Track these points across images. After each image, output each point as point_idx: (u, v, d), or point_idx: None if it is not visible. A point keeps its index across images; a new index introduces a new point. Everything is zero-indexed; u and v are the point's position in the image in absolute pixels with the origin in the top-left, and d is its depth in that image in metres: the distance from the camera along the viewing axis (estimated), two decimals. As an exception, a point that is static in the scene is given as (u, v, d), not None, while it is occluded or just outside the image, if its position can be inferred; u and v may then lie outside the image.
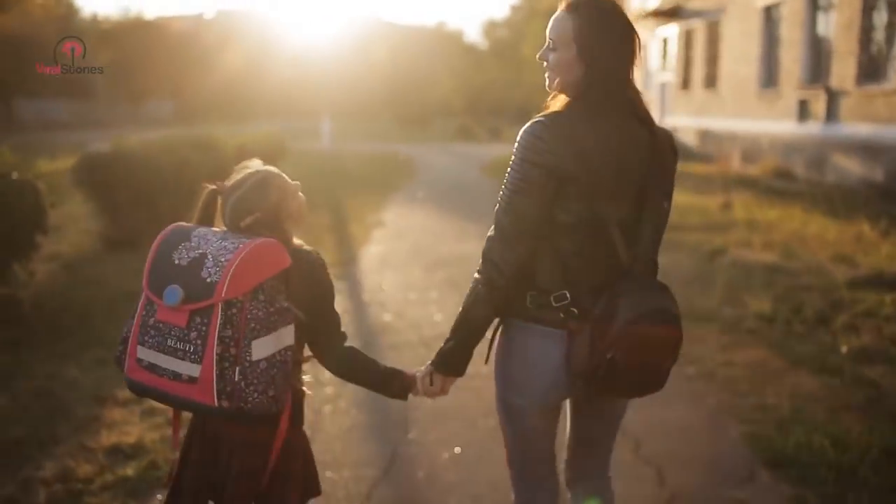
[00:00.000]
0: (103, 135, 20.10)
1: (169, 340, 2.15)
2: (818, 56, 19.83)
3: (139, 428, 4.51)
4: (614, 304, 2.23)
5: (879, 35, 17.38)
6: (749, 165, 22.55)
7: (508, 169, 2.30)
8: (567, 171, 2.22)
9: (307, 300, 2.31)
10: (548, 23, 2.39)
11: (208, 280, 2.14)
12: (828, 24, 19.47)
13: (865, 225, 11.87)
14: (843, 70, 18.08)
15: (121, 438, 4.35)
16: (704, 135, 27.56)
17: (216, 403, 2.11)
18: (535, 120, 2.29)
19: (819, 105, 18.98)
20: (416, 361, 5.81)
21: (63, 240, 10.31)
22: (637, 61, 2.35)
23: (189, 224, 2.34)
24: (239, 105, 60.62)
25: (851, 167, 17.66)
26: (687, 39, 29.78)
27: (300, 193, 2.45)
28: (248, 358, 2.13)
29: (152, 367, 2.18)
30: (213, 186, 2.42)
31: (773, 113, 21.50)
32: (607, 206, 2.27)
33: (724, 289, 8.02)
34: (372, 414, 4.93)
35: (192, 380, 2.12)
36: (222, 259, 2.15)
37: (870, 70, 17.53)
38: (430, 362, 2.50)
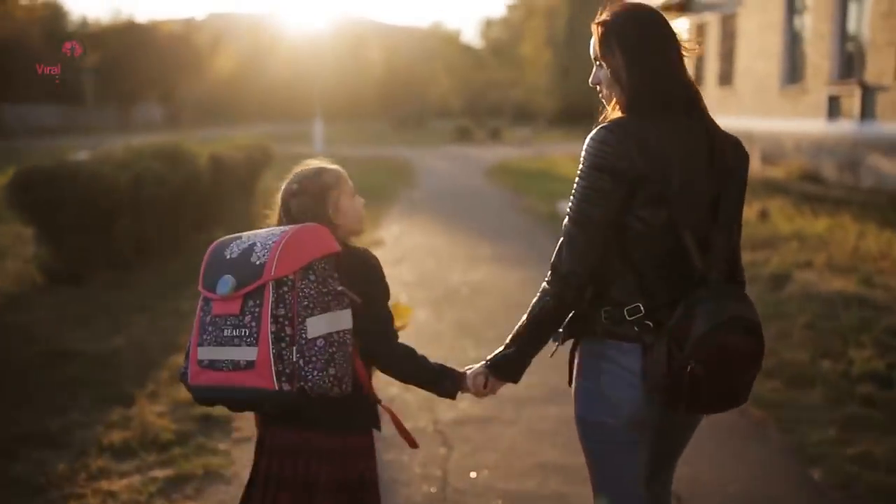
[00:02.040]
0: (90, 140, 18.60)
1: (226, 331, 2.15)
2: (851, 49, 18.31)
3: None
4: (690, 314, 2.14)
5: (924, 24, 15.82)
6: (770, 167, 21.07)
7: (576, 178, 2.25)
8: (636, 173, 2.16)
9: (361, 297, 2.29)
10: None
11: (258, 263, 2.15)
12: (861, 14, 17.94)
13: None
14: (882, 63, 16.56)
15: None
16: (719, 135, 26.02)
17: (276, 386, 2.09)
18: (600, 126, 2.24)
19: (852, 102, 17.49)
20: (431, 461, 4.21)
21: (-1, 271, 8.69)
22: (687, 59, 2.34)
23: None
24: (231, 108, 59.28)
25: (892, 169, 16.13)
26: (698, 34, 28.26)
27: (359, 198, 2.47)
28: (303, 335, 2.13)
29: (212, 364, 2.16)
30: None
31: (797, 111, 20.00)
32: (678, 211, 2.19)
33: (808, 332, 6.43)
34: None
35: (249, 364, 2.10)
36: (270, 242, 2.18)
37: (913, 63, 16.00)
38: (484, 363, 2.43)
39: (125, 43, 56.26)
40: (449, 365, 2.47)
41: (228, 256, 2.21)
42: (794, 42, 20.96)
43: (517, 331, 2.35)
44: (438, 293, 8.02)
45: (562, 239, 2.25)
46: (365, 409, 2.38)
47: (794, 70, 20.86)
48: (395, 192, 17.46)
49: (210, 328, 2.16)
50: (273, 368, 2.07)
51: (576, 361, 2.38)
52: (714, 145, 2.25)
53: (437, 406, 4.93)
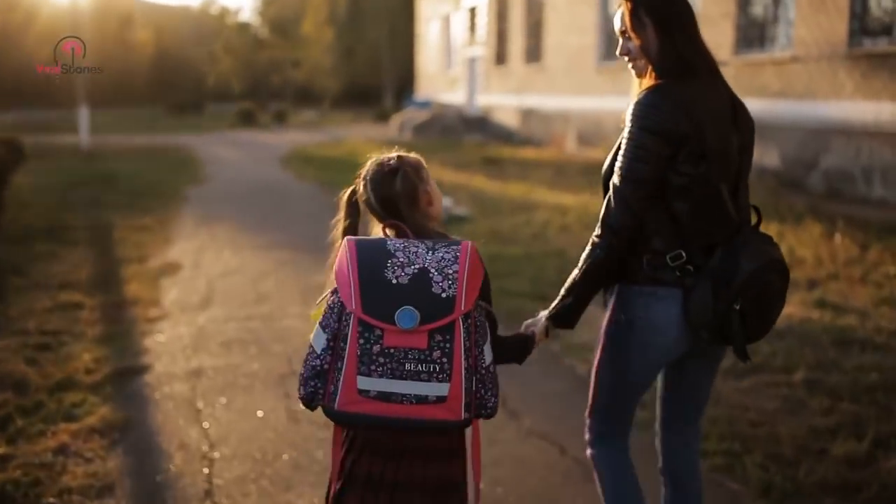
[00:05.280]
0: None
1: (407, 365, 2.03)
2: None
3: None
4: (735, 258, 2.36)
5: (762, -7, 14.74)
6: (588, 148, 19.87)
7: (624, 138, 2.41)
8: (681, 134, 2.34)
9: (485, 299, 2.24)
10: None
11: (444, 296, 2.05)
12: (688, -16, 16.79)
13: (817, 228, 9.05)
14: (716, 36, 15.43)
15: None
16: (528, 115, 24.75)
17: (462, 417, 2.04)
18: (646, 90, 2.39)
19: (683, 78, 16.28)
20: None
21: None
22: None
23: (369, 237, 2.24)
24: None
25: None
26: (500, 8, 26.78)
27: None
28: (482, 365, 2.11)
29: (385, 396, 2.04)
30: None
31: (618, 88, 18.79)
32: (714, 165, 2.38)
33: (818, 397, 4.58)
34: None
35: (440, 399, 2.02)
36: (449, 271, 2.07)
37: (751, 35, 14.93)
38: (545, 315, 2.57)
39: None
40: None
41: (395, 281, 2.06)
42: (611, 15, 19.75)
43: (571, 283, 2.51)
44: (281, 360, 5.53)
45: (609, 194, 2.43)
46: None
47: (612, 45, 19.63)
48: (180, 190, 14.58)
49: (381, 359, 2.02)
50: (463, 401, 2.03)
51: (610, 306, 2.59)
52: (735, 105, 2.49)
53: None
